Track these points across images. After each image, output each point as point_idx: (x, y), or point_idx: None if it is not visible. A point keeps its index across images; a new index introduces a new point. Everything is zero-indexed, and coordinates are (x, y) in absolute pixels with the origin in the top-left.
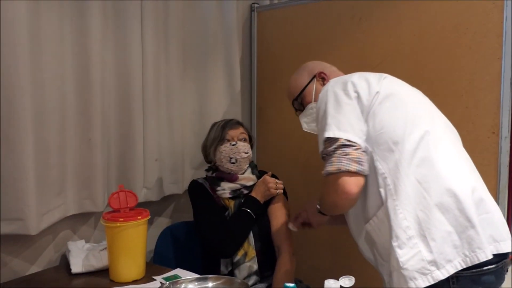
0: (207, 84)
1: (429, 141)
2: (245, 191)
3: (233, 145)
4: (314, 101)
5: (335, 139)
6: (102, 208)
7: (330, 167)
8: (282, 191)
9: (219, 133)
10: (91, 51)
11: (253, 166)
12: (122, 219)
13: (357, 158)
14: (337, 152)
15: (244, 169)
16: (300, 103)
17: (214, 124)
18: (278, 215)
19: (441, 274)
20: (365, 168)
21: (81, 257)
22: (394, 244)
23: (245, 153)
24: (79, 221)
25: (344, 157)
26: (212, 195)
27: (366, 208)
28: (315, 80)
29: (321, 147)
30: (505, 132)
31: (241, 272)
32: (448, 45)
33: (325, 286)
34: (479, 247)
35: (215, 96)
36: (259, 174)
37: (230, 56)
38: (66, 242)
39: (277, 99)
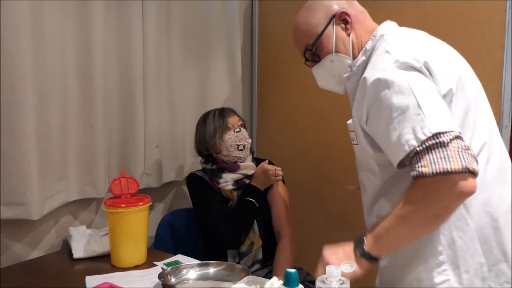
0: (208, 71)
1: (483, 158)
2: (247, 181)
3: (238, 132)
4: (336, 51)
5: (444, 132)
6: (103, 194)
7: (450, 165)
8: (281, 177)
9: (219, 122)
10: (93, 36)
11: (251, 152)
12: (123, 205)
13: (474, 155)
14: (454, 144)
15: (249, 155)
16: (314, 53)
17: (205, 117)
18: (277, 200)
19: None
20: None
21: (83, 242)
22: (421, 266)
23: (248, 138)
24: (81, 207)
25: (466, 152)
26: (213, 187)
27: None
28: (334, 23)
29: (405, 145)
30: (506, 121)
31: (248, 262)
32: (452, 33)
33: (326, 272)
34: (508, 281)
35: (216, 83)
36: (256, 161)
37: (232, 43)
38: (68, 228)
39: (278, 86)
